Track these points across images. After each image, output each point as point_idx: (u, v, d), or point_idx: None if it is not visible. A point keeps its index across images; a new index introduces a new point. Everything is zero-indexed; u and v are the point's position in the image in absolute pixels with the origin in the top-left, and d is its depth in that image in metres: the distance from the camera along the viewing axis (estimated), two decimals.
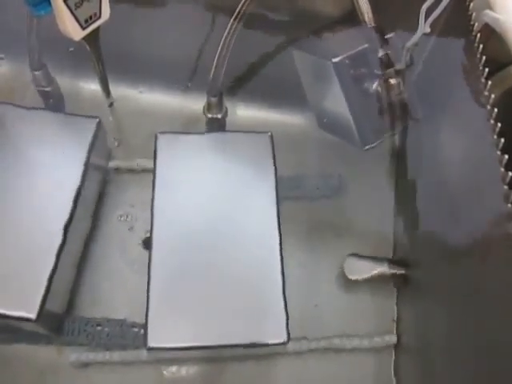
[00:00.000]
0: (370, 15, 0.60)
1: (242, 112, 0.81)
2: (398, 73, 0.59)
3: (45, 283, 0.56)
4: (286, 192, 0.71)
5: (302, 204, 0.74)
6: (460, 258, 0.53)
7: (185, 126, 0.75)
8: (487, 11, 0.52)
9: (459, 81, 0.56)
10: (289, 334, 0.57)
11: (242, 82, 0.78)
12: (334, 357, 0.65)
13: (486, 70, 0.50)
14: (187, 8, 0.69)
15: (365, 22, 0.60)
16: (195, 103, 0.73)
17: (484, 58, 0.51)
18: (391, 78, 0.59)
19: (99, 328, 0.62)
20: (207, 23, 0.70)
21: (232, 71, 0.72)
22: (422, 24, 0.55)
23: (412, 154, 0.73)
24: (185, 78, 0.79)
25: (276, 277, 0.61)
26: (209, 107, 0.69)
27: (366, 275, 0.68)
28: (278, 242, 0.63)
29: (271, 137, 0.71)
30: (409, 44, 0.57)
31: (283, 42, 0.72)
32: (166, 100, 0.80)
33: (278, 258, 0.62)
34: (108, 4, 0.47)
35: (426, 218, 0.65)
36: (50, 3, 0.43)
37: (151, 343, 0.56)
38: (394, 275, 0.68)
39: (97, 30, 0.48)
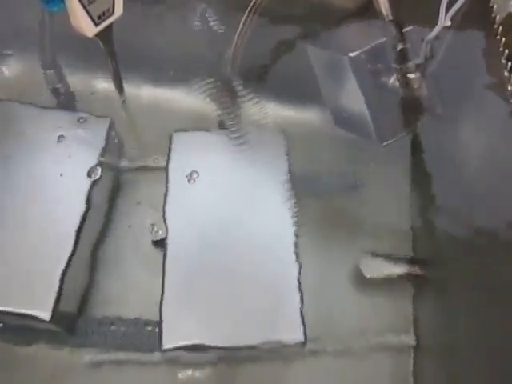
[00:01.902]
0: (388, 8, 0.58)
1: (257, 109, 0.79)
2: (417, 67, 0.57)
3: (58, 282, 0.56)
4: (300, 190, 0.70)
5: (317, 202, 0.73)
6: (482, 256, 0.51)
7: (197, 124, 0.74)
8: None
9: (480, 75, 0.54)
10: (306, 334, 0.57)
11: (256, 78, 0.77)
12: (351, 357, 0.64)
13: (510, 63, 0.49)
14: (200, 5, 0.69)
15: (382, 14, 0.59)
16: (208, 100, 0.72)
17: (507, 51, 0.50)
18: (410, 72, 0.57)
19: (113, 328, 0.62)
20: (221, 20, 0.69)
21: (246, 68, 0.71)
22: (442, 17, 0.54)
23: (430, 151, 0.71)
24: (199, 75, 0.78)
25: (291, 276, 0.60)
26: (222, 104, 0.69)
27: (382, 274, 0.67)
28: (292, 241, 0.63)
29: (285, 135, 0.70)
30: (429, 37, 0.56)
31: (297, 38, 0.71)
32: (179, 97, 0.80)
33: (293, 257, 0.61)
34: (121, 0, 0.46)
35: (445, 215, 0.63)
36: None
37: (166, 345, 0.56)
38: (411, 274, 0.67)
39: (110, 26, 0.47)
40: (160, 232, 0.66)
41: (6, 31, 0.73)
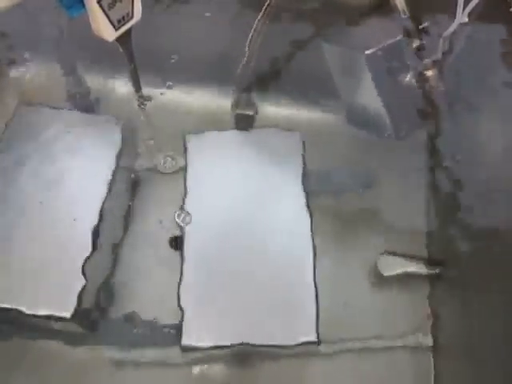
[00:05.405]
0: (404, 4, 0.58)
1: (271, 108, 0.79)
2: (434, 64, 0.57)
3: (80, 282, 0.57)
4: (316, 189, 0.70)
5: (333, 200, 0.73)
6: (500, 254, 0.51)
7: (214, 123, 0.74)
8: None
9: (500, 70, 0.54)
10: (318, 332, 0.57)
11: (271, 77, 0.77)
12: (368, 356, 0.63)
13: None
14: (215, 4, 0.69)
15: (398, 11, 0.58)
16: (224, 100, 0.73)
17: None
18: (427, 69, 0.57)
19: (131, 326, 0.63)
20: (236, 19, 0.69)
21: (261, 67, 0.71)
22: (459, 13, 0.53)
23: (447, 147, 0.70)
24: (213, 75, 0.78)
25: (308, 275, 0.61)
26: (237, 104, 0.69)
27: (399, 272, 0.67)
28: (309, 240, 0.63)
29: (301, 135, 0.70)
30: (446, 34, 0.55)
31: (312, 36, 0.71)
32: (195, 98, 0.80)
33: (310, 255, 0.62)
34: (140, 4, 0.46)
35: (462, 212, 0.63)
36: (83, 5, 0.43)
37: (185, 341, 0.57)
38: (428, 272, 0.66)
39: (129, 30, 0.48)
40: (176, 232, 0.66)
41: (25, 35, 0.74)
